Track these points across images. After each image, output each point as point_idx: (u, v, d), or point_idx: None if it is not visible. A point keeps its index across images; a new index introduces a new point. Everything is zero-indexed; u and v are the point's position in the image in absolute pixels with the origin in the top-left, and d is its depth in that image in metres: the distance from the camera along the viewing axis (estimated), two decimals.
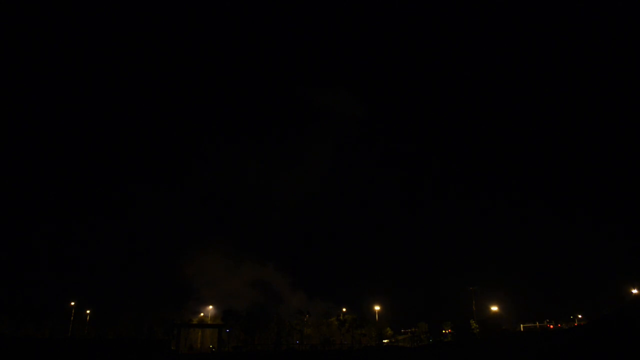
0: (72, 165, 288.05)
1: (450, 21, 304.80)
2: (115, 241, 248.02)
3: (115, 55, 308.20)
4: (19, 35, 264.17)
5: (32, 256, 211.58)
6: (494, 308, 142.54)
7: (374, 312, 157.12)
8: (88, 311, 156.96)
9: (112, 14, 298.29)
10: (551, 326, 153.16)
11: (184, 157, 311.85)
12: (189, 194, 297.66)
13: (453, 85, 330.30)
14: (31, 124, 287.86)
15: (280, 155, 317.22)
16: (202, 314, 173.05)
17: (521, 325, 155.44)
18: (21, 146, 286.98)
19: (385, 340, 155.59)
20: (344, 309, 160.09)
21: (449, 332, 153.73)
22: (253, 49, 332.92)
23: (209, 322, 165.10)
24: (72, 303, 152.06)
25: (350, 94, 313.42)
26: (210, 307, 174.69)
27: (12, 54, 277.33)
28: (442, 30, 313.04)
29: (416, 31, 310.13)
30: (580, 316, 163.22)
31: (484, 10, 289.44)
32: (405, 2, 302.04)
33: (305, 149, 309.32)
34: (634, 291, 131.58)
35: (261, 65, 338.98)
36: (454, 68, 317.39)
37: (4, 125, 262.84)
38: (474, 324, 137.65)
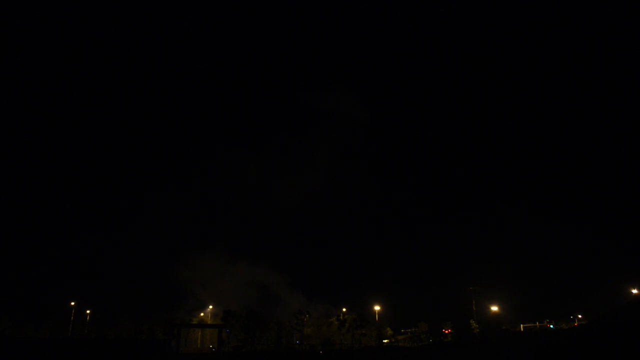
0: (72, 170, 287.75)
1: (451, 28, 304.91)
2: (116, 243, 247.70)
3: (112, 69, 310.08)
4: (42, 49, 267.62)
5: (32, 257, 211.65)
6: (494, 308, 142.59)
7: (374, 312, 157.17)
8: (88, 311, 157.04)
9: (112, 34, 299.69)
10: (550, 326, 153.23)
11: (184, 161, 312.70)
12: (190, 197, 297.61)
13: (453, 90, 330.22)
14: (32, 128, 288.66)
15: (280, 156, 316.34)
16: (202, 314, 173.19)
17: (521, 325, 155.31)
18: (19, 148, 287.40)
19: (385, 340, 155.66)
20: (344, 309, 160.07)
21: (449, 332, 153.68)
22: (253, 53, 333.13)
23: (209, 322, 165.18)
24: (72, 303, 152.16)
25: (350, 98, 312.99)
26: (210, 307, 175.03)
27: (27, 66, 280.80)
28: (443, 37, 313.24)
29: (417, 36, 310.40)
30: (580, 316, 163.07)
31: (488, 20, 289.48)
32: (408, 8, 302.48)
33: (305, 150, 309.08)
34: (634, 291, 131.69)
35: (260, 70, 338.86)
36: (455, 73, 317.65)
37: (14, 134, 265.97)
38: (474, 324, 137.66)
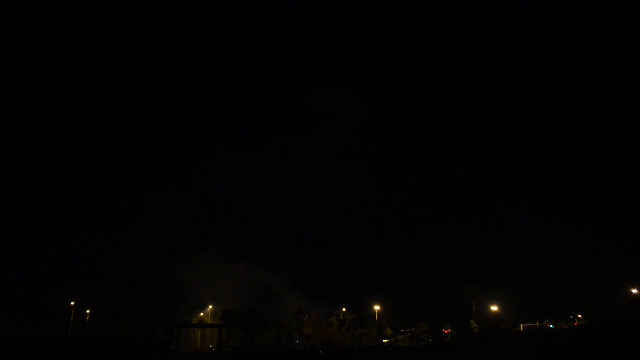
0: (72, 170, 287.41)
1: (451, 28, 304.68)
2: (116, 243, 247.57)
3: (112, 69, 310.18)
4: (42, 49, 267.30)
5: (32, 257, 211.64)
6: (494, 308, 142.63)
7: (374, 312, 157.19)
8: (88, 311, 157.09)
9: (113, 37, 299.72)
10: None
11: (184, 161, 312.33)
12: (190, 197, 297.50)
13: (453, 90, 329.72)
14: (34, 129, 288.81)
15: (280, 156, 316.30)
16: (202, 314, 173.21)
17: (521, 325, 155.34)
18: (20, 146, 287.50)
19: (385, 340, 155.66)
20: (344, 309, 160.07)
21: (449, 332, 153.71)
22: (252, 53, 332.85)
23: (209, 322, 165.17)
24: (72, 303, 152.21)
25: (350, 98, 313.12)
26: (210, 307, 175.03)
27: (27, 66, 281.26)
28: (443, 37, 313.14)
29: (417, 36, 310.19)
30: (580, 316, 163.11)
31: (488, 20, 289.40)
32: (408, 8, 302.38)
33: (305, 150, 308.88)
34: (634, 291, 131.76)
35: (260, 70, 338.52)
36: (455, 73, 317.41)
37: (15, 134, 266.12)
38: (474, 324, 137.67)
